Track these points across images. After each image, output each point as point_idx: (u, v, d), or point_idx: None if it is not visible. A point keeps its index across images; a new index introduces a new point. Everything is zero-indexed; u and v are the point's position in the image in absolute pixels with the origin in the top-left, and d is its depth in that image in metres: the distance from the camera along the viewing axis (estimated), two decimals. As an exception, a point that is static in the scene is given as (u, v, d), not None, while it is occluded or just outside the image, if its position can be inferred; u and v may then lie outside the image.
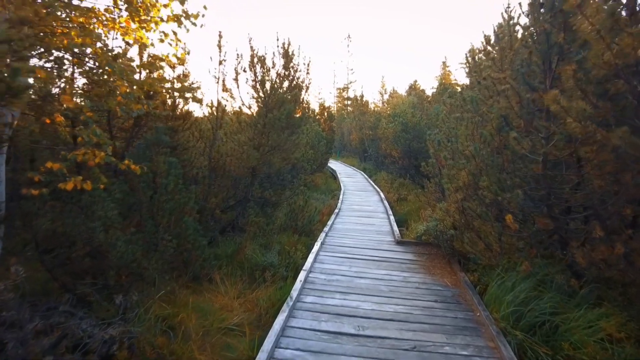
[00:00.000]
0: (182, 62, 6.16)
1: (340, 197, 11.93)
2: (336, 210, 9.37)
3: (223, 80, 6.09)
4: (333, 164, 25.14)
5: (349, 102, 42.78)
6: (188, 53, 5.00)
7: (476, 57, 8.25)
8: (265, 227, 6.49)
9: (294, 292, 4.15)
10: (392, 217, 8.71)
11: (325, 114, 18.10)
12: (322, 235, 6.65)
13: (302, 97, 6.60)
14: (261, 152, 5.92)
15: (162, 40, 4.57)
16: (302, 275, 4.67)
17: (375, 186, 14.70)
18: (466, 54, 8.24)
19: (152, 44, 4.72)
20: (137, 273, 4.06)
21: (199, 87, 5.63)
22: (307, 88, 6.78)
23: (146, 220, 4.40)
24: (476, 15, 68.57)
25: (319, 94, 55.07)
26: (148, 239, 4.46)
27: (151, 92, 5.44)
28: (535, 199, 4.52)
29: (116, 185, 4.30)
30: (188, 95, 5.07)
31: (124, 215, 4.58)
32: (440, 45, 77.12)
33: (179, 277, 5.23)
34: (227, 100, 6.14)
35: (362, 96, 28.86)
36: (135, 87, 4.34)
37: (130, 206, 4.73)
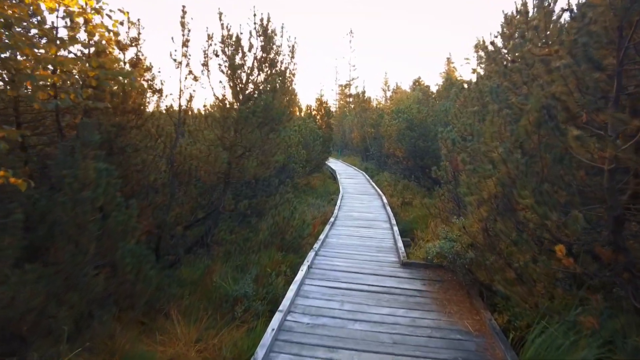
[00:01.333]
0: (135, 42, 5.00)
1: (338, 201, 10.77)
2: (332, 219, 8.20)
3: (187, 65, 4.93)
4: (334, 164, 23.99)
5: (351, 100, 41.52)
6: (120, 23, 3.85)
7: (495, 42, 7.04)
8: (243, 244, 5.34)
9: (260, 351, 3.00)
10: (395, 228, 7.53)
11: (323, 109, 16.81)
12: (311, 254, 5.49)
13: (286, 87, 5.43)
14: (232, 154, 4.78)
15: (97, 11, 3.44)
16: (275, 320, 3.51)
17: (377, 189, 13.52)
18: (482, 38, 7.04)
19: (82, 10, 3.56)
20: (42, 325, 2.93)
21: (146, 68, 4.48)
22: (293, 76, 5.61)
23: (62, 247, 3.26)
24: (475, 15, 67.74)
25: (321, 91, 53.94)
26: (68, 274, 3.33)
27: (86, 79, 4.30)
28: (592, 222, 3.35)
29: (16, 201, 3.15)
30: (130, 80, 3.91)
31: (42, 240, 3.45)
32: (440, 45, 76.38)
33: (129, 309, 4.12)
34: (194, 91, 4.99)
35: (363, 92, 27.59)
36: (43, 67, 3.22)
37: (52, 227, 3.59)
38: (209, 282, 4.85)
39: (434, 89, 27.18)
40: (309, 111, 16.47)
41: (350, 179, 17.02)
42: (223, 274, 5.00)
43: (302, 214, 8.59)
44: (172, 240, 5.02)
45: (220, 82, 5.46)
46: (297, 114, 16.10)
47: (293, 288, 4.21)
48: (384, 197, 11.62)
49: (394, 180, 15.50)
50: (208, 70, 5.44)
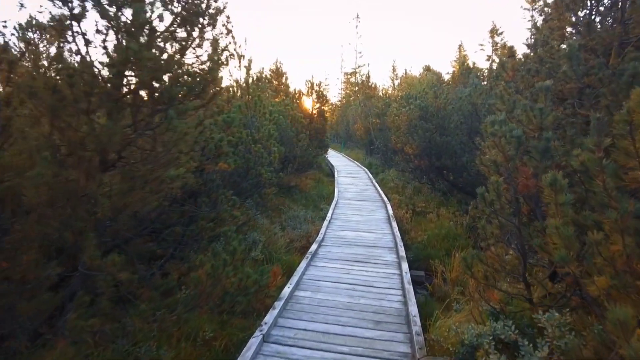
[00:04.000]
0: None
1: (330, 212, 8.34)
2: (314, 246, 5.77)
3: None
4: (335, 158, 21.58)
5: (357, 89, 38.69)
6: None
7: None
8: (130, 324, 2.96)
9: None
10: (405, 266, 5.07)
11: (315, 94, 14.14)
12: (251, 348, 3.07)
13: (195, 34, 2.90)
14: (84, 164, 2.40)
15: None
16: None
17: (382, 193, 11.02)
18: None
19: None
20: None
21: None
22: (228, 18, 3.01)
23: None
24: (474, 15, 65.88)
25: (325, 79, 51.23)
26: None
27: None
28: None
29: None
30: None
31: None
32: (444, 44, 74.59)
33: None
34: (29, 45, 2.58)
35: (368, 77, 24.76)
36: None
37: None
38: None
39: (446, 77, 24.42)
40: (296, 95, 13.82)
41: (351, 177, 14.55)
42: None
43: (273, 237, 6.19)
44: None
45: (97, 32, 3.02)
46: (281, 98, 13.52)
47: None
48: (389, 206, 9.16)
49: (402, 181, 12.99)
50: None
